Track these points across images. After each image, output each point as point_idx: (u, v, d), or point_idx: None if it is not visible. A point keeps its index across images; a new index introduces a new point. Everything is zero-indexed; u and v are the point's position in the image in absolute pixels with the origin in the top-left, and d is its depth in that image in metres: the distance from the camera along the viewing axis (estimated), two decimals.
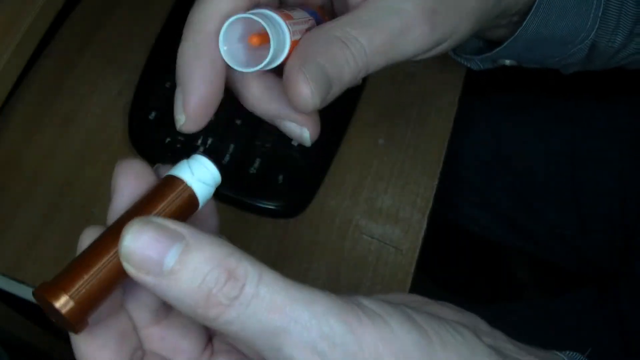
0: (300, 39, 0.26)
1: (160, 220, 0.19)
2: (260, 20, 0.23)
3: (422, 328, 0.20)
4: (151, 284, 0.19)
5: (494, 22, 0.36)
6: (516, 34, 0.38)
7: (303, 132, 0.28)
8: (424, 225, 0.49)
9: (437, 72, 0.55)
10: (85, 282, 0.20)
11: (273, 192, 0.47)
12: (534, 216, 0.71)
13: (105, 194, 0.47)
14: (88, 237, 0.22)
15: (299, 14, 0.27)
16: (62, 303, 0.20)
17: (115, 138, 0.50)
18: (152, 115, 0.49)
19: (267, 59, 0.24)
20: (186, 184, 0.23)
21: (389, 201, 0.49)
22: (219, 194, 0.51)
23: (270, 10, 0.25)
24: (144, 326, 0.23)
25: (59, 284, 0.20)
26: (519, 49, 0.40)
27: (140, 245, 0.18)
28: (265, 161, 0.48)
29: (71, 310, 0.20)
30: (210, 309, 0.18)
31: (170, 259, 0.18)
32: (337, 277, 0.47)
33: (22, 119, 0.50)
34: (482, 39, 0.43)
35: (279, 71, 0.27)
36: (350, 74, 0.26)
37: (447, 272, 1.03)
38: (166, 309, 0.23)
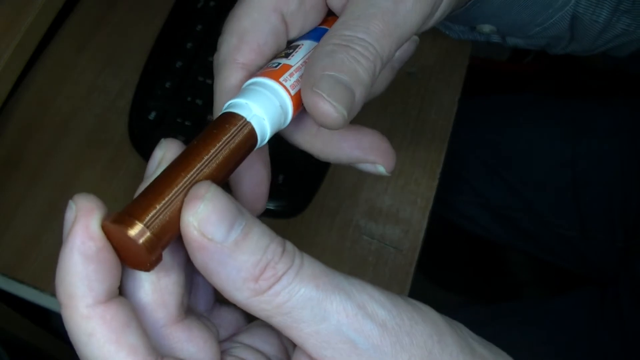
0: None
1: (226, 194, 0.20)
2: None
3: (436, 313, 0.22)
4: (210, 252, 0.19)
5: None
6: None
7: (378, 169, 0.29)
8: (424, 225, 0.49)
9: (437, 72, 0.55)
10: (159, 211, 0.19)
11: (273, 192, 0.47)
12: (534, 216, 0.71)
13: (105, 194, 0.47)
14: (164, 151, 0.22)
15: (304, 50, 0.27)
16: (138, 232, 0.19)
17: (115, 138, 0.50)
18: (152, 115, 0.49)
19: (265, 141, 0.24)
20: (245, 120, 0.22)
21: (389, 201, 0.49)
22: None
23: (265, 77, 0.24)
24: (168, 324, 0.22)
25: (132, 214, 0.19)
26: (496, 6, 0.38)
27: (216, 211, 0.19)
28: None
29: (148, 239, 0.19)
30: (263, 280, 0.19)
31: (237, 229, 0.19)
32: None
33: (22, 119, 0.50)
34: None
35: None
36: (367, 72, 0.25)
37: (447, 272, 1.03)
38: (184, 310, 0.23)
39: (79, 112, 0.50)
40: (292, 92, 0.25)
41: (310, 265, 0.20)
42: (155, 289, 0.21)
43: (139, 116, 0.49)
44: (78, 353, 0.19)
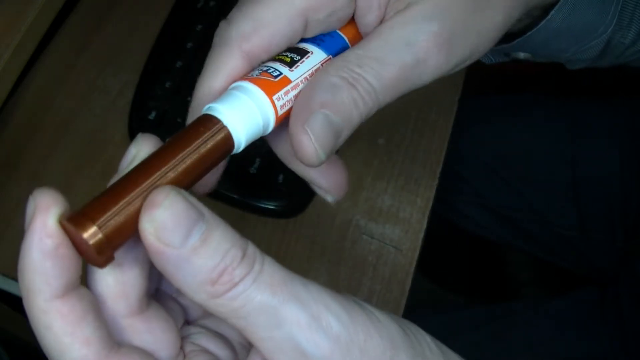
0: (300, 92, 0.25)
1: (187, 195, 0.19)
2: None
3: (399, 321, 0.22)
4: (167, 257, 0.19)
5: None
6: (539, 26, 0.37)
7: (327, 197, 0.29)
8: (424, 225, 0.49)
9: None
10: (114, 213, 0.19)
11: (273, 192, 0.47)
12: (534, 216, 0.71)
13: None
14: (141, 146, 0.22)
15: (310, 62, 0.25)
16: (90, 233, 0.19)
17: (115, 138, 0.50)
18: (152, 115, 0.49)
19: (240, 148, 0.23)
20: (221, 124, 0.22)
21: (389, 201, 0.49)
22: (218, 194, 0.51)
23: (259, 87, 0.24)
24: (128, 315, 0.22)
25: (88, 214, 0.19)
26: (538, 41, 0.39)
27: (173, 218, 0.19)
28: (265, 161, 0.48)
29: (99, 241, 0.19)
30: (220, 285, 0.19)
31: (195, 234, 0.19)
32: (337, 277, 0.47)
33: (22, 119, 0.50)
34: None
35: None
36: (360, 116, 0.25)
37: (446, 272, 1.03)
38: (146, 301, 0.23)
39: (79, 112, 0.50)
40: (280, 112, 0.24)
41: (270, 272, 0.20)
42: (118, 282, 0.21)
43: (139, 116, 0.49)
44: (40, 343, 0.20)
